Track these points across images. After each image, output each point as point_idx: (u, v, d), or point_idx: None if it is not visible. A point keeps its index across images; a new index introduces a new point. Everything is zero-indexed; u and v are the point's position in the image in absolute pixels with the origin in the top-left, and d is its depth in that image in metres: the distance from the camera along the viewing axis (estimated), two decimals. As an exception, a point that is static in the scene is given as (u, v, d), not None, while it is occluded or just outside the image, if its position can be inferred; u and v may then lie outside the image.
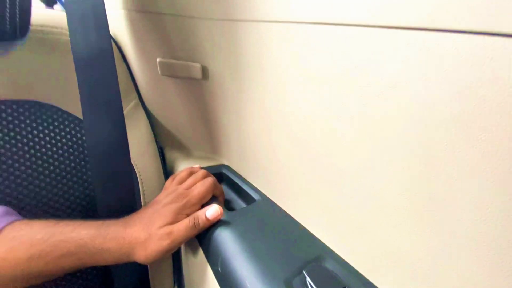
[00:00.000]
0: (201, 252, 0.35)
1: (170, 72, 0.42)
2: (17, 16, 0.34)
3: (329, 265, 0.27)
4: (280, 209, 0.35)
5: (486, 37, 0.13)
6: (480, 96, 0.14)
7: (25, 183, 0.38)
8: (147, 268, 0.45)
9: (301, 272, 0.25)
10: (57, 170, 0.40)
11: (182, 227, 0.32)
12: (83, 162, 0.42)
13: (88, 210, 0.42)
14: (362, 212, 0.24)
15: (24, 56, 0.38)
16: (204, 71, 0.40)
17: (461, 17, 0.14)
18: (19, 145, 0.38)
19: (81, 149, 0.42)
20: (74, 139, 0.42)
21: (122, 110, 0.36)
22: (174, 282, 0.51)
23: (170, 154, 0.55)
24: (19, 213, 0.37)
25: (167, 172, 0.54)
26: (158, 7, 0.37)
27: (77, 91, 0.34)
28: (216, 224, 0.33)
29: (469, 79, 0.15)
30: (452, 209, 0.17)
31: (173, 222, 0.32)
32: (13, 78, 0.37)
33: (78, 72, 0.34)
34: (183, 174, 0.40)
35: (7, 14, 0.33)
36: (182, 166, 0.51)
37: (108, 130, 0.36)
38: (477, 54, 0.14)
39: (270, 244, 0.29)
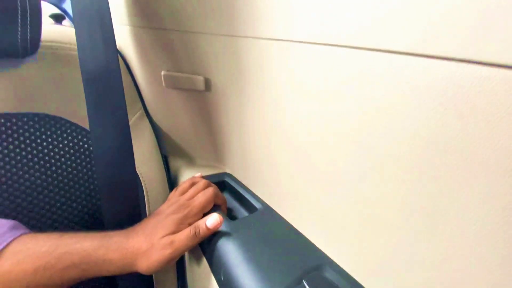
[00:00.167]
0: (204, 261, 0.36)
1: (174, 84, 0.43)
2: (28, 34, 0.35)
3: (328, 274, 0.27)
4: (281, 218, 0.36)
5: (470, 65, 0.14)
6: (463, 120, 0.15)
7: (35, 193, 0.39)
8: (152, 277, 0.46)
9: (301, 281, 0.26)
10: (65, 180, 0.41)
11: (184, 236, 0.32)
12: (90, 172, 0.43)
13: (95, 219, 0.44)
14: (362, 222, 0.24)
15: (34, 71, 0.39)
16: (207, 83, 0.41)
17: (447, 45, 0.15)
18: (30, 156, 0.39)
19: (88, 159, 0.43)
20: (82, 149, 0.43)
21: (128, 122, 0.38)
22: (178, 290, 0.52)
23: (174, 163, 0.56)
24: (29, 222, 0.38)
25: (171, 180, 0.55)
26: (163, 23, 0.38)
27: (85, 103, 0.36)
28: (218, 234, 0.34)
29: (450, 105, 0.15)
30: (453, 222, 0.17)
31: (175, 232, 0.33)
32: (24, 93, 0.39)
33: (86, 86, 0.35)
34: (185, 185, 0.41)
35: (19, 32, 0.35)
36: (186, 174, 0.52)
37: (114, 141, 0.37)
38: (461, 81, 0.15)
39: (271, 253, 0.30)
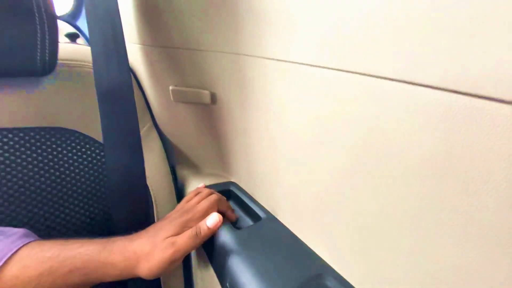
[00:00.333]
0: (211, 270, 0.37)
1: (181, 98, 0.45)
2: (47, 54, 0.38)
3: (329, 283, 0.28)
4: (284, 227, 0.38)
5: (453, 94, 0.16)
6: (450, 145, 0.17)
7: (50, 203, 0.41)
8: (160, 282, 0.48)
9: (303, 289, 0.27)
10: (79, 190, 0.43)
11: (185, 237, 0.34)
12: (102, 182, 0.45)
13: (106, 227, 0.45)
14: (363, 231, 0.25)
15: (51, 88, 0.42)
16: (213, 97, 0.43)
17: (429, 73, 0.17)
18: (46, 168, 0.41)
19: (100, 170, 0.45)
20: (94, 161, 0.45)
21: (139, 136, 0.40)
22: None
23: (181, 172, 0.58)
24: (45, 230, 0.40)
25: (178, 188, 0.57)
26: (172, 42, 0.41)
27: (98, 117, 0.38)
28: (225, 243, 0.36)
29: (440, 125, 0.17)
30: (456, 231, 0.18)
31: (178, 234, 0.34)
32: (42, 108, 0.41)
33: (100, 101, 0.38)
34: (190, 195, 0.43)
35: (38, 52, 0.37)
36: (193, 182, 0.54)
37: (126, 153, 0.39)
38: (443, 110, 0.16)
39: (275, 261, 0.32)
